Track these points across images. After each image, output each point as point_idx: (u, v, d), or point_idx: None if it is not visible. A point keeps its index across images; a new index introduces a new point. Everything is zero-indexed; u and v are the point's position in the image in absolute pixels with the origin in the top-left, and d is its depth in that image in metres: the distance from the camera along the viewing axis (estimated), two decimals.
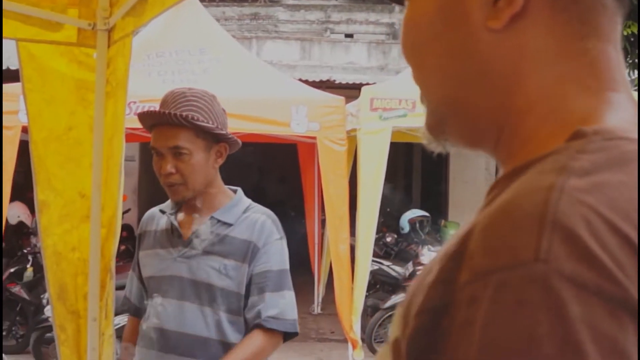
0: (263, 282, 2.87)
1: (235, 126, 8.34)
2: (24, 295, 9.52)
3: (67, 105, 3.43)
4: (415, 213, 11.20)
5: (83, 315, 3.53)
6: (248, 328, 2.88)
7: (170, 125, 2.84)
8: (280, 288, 2.90)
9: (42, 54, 3.39)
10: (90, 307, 3.43)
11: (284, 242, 2.97)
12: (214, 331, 2.84)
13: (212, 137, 2.89)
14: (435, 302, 0.77)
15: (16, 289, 9.54)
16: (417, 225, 10.86)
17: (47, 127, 3.44)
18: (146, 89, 7.36)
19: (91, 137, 3.38)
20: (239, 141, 3.00)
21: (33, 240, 10.03)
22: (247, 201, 3.02)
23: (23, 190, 11.37)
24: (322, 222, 11.34)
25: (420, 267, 9.95)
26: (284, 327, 2.89)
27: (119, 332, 3.42)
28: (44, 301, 8.75)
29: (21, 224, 10.69)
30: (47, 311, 8.46)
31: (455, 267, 0.76)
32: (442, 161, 15.93)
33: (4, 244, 9.39)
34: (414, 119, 8.96)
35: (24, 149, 8.62)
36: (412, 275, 9.89)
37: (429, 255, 9.98)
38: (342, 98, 9.00)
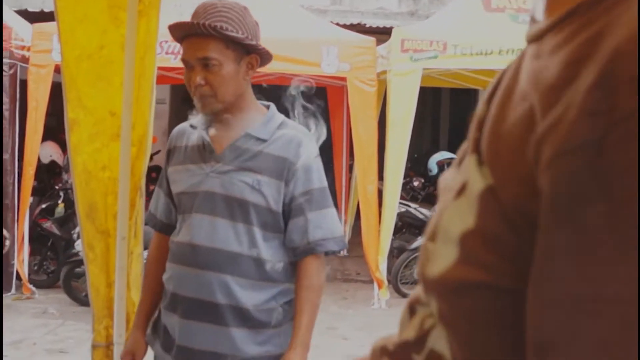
0: (305, 202, 2.83)
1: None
2: (55, 230, 9.64)
3: (99, 24, 3.43)
4: (443, 155, 11.17)
5: (112, 235, 3.56)
6: (296, 252, 2.87)
7: (199, 36, 2.77)
8: (323, 206, 2.87)
9: None
10: (119, 226, 3.46)
11: (320, 160, 2.94)
12: (246, 247, 2.81)
13: (242, 48, 2.83)
14: (583, 138, 0.67)
15: (47, 225, 9.67)
16: (445, 167, 10.81)
17: (79, 45, 3.44)
18: None
19: (122, 55, 3.38)
20: (271, 53, 2.95)
21: (65, 177, 10.12)
22: (281, 117, 2.96)
23: (55, 132, 11.45)
24: (350, 167, 11.33)
25: None
26: (336, 246, 2.89)
27: None
28: (74, 236, 8.86)
29: (53, 163, 10.78)
30: (77, 246, 8.56)
31: (605, 96, 0.66)
32: (470, 107, 15.75)
33: (35, 183, 9.48)
34: (445, 61, 8.93)
35: (56, 91, 8.71)
36: None
37: None
38: (373, 39, 8.96)
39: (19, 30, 9.19)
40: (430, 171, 11.15)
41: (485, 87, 7.92)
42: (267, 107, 3.00)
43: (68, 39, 3.44)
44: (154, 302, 3.08)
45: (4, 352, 6.92)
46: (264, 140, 2.86)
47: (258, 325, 2.84)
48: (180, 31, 2.84)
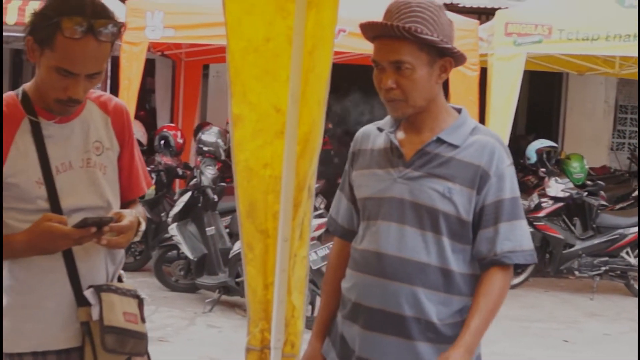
0: (496, 212, 2.69)
1: (358, 46, 8.15)
2: (145, 213, 9.51)
3: (265, 15, 3.27)
4: (543, 143, 10.83)
5: (272, 235, 3.41)
6: (482, 263, 2.73)
7: (392, 38, 2.65)
8: (514, 217, 2.72)
9: None
10: (281, 227, 3.30)
11: (514, 168, 2.80)
12: (435, 257, 2.69)
13: (437, 52, 2.69)
14: None
15: None
16: (544, 155, 10.50)
17: (246, 37, 3.28)
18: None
19: (289, 49, 3.22)
20: (465, 55, 2.80)
21: (157, 157, 10.00)
22: (473, 122, 2.83)
23: (136, 109, 11.34)
24: None
25: (545, 199, 9.69)
26: (524, 259, 2.73)
27: None
28: (169, 220, 8.71)
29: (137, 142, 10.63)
30: (171, 230, 8.46)
31: None
32: (551, 91, 15.48)
33: None
34: (549, 46, 8.81)
35: (145, 68, 8.59)
36: (537, 207, 9.63)
37: (556, 187, 9.69)
38: (476, 21, 8.82)
39: (111, 6, 9.08)
40: (529, 159, 10.82)
41: (578, 71, 7.70)
42: (459, 111, 2.85)
43: (235, 30, 3.28)
44: (335, 310, 2.98)
45: None
46: (456, 146, 2.73)
47: (442, 340, 2.71)
48: (372, 31, 2.73)
